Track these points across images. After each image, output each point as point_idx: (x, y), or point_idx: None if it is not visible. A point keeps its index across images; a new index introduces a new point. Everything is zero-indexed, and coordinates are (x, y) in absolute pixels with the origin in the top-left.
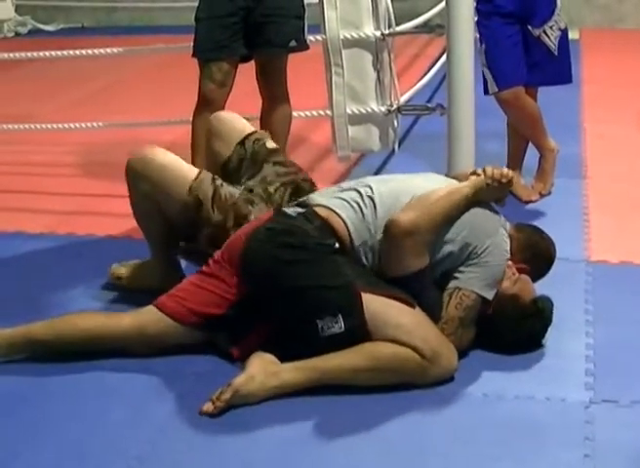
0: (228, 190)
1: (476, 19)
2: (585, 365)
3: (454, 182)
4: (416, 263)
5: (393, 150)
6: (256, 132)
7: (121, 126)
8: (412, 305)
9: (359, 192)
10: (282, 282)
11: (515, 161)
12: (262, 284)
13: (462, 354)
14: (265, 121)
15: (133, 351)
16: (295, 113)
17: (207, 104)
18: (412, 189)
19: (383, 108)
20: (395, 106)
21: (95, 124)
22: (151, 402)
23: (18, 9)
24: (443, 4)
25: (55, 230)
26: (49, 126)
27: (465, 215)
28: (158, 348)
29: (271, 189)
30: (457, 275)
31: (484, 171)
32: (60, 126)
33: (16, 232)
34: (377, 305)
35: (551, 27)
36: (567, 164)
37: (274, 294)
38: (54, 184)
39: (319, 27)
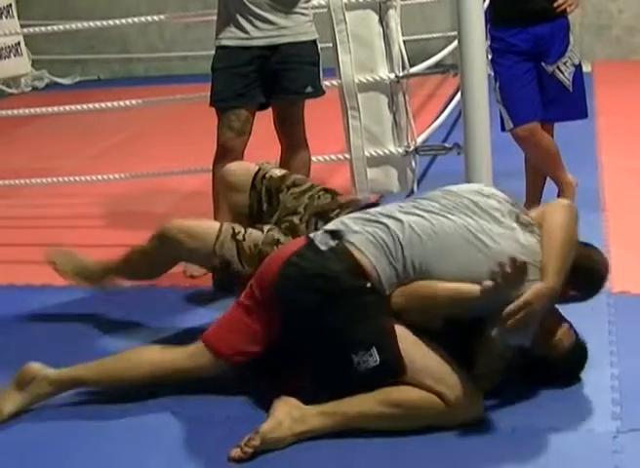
0: (251, 239)
1: (490, 57)
2: (611, 395)
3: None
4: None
5: (412, 191)
6: (259, 169)
7: (142, 176)
8: (439, 347)
9: (387, 227)
10: (316, 325)
11: (534, 197)
12: (296, 324)
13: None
14: (285, 167)
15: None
16: (313, 158)
17: (226, 153)
18: (437, 229)
19: (401, 150)
20: (412, 147)
21: (116, 175)
22: (185, 448)
23: (34, 63)
24: (455, 43)
25: None
26: (71, 179)
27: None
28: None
29: (296, 220)
30: (487, 321)
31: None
32: (81, 178)
33: (43, 285)
34: (405, 345)
35: (565, 63)
36: (585, 197)
37: (309, 334)
38: (77, 236)
39: (333, 71)
